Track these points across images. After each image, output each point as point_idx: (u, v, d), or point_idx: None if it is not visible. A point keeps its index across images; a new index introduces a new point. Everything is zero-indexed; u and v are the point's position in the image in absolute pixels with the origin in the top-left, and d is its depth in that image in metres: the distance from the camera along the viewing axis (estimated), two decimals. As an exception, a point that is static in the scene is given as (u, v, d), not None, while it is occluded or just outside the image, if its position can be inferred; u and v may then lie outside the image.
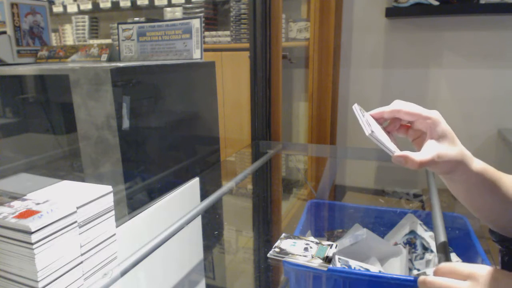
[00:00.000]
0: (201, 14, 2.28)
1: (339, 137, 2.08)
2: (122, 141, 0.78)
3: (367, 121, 0.50)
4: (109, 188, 0.53)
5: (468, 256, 0.76)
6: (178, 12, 2.37)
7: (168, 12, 2.40)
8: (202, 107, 1.11)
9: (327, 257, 0.67)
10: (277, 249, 0.70)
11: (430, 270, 0.74)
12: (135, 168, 0.84)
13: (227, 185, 0.94)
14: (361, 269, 0.72)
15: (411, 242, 0.84)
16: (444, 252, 0.61)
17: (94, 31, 2.86)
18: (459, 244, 0.79)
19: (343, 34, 1.97)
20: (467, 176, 0.55)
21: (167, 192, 0.79)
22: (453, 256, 0.77)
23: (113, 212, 0.55)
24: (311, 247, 0.70)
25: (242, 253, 1.07)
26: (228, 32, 2.20)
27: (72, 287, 0.48)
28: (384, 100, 1.98)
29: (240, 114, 2.00)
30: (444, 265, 0.49)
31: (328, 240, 0.90)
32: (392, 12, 1.79)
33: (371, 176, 1.91)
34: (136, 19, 2.52)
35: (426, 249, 0.81)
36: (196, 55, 1.08)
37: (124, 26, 1.14)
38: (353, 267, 0.72)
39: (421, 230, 0.85)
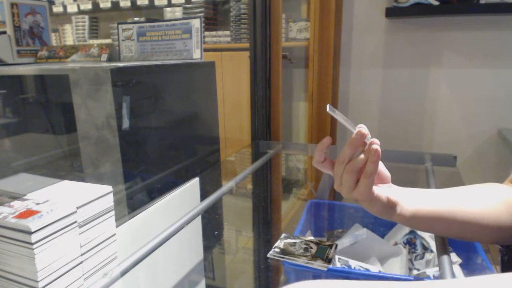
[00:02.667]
0: (201, 14, 2.27)
1: (339, 137, 2.07)
2: (122, 141, 0.78)
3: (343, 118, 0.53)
4: (109, 188, 0.53)
5: (468, 256, 0.76)
6: (178, 12, 2.37)
7: (168, 12, 2.40)
8: (202, 107, 1.11)
9: (327, 257, 0.67)
10: (277, 249, 0.70)
11: (430, 270, 0.74)
12: (135, 168, 0.84)
13: (227, 185, 0.94)
14: (361, 269, 0.73)
15: (411, 242, 0.84)
16: (444, 252, 0.61)
17: (94, 31, 2.86)
18: (459, 244, 0.79)
19: (343, 34, 1.97)
20: (404, 219, 0.56)
21: (167, 192, 0.79)
22: (453, 256, 0.77)
23: (113, 212, 0.55)
24: (311, 247, 0.70)
25: (242, 253, 1.06)
26: (228, 32, 2.20)
27: (72, 287, 0.48)
28: (384, 100, 1.98)
29: (240, 114, 2.00)
30: None
31: (328, 240, 0.90)
32: (392, 12, 1.79)
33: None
34: (136, 19, 2.52)
35: (426, 249, 0.81)
36: (196, 55, 1.08)
37: (124, 26, 1.15)
38: (353, 267, 0.72)
39: (421, 230, 0.85)
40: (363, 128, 0.51)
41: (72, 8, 2.77)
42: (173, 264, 0.79)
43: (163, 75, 0.94)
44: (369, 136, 0.52)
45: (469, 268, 0.74)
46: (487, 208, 0.57)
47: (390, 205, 0.54)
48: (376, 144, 0.50)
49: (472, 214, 0.56)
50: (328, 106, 0.53)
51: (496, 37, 1.71)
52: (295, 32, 2.08)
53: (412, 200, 0.56)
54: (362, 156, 0.51)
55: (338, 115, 0.53)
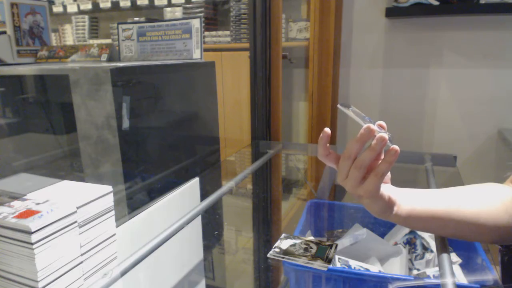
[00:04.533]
0: (201, 14, 2.28)
1: (339, 137, 2.08)
2: (122, 141, 0.78)
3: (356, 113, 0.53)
4: (109, 188, 0.53)
5: (468, 255, 0.76)
6: (178, 12, 2.37)
7: (168, 12, 2.40)
8: (202, 107, 1.11)
9: (327, 257, 0.67)
10: (277, 249, 0.69)
11: (430, 270, 0.74)
12: (135, 168, 0.84)
13: (227, 185, 0.94)
14: (361, 269, 0.72)
15: (411, 241, 0.84)
16: (444, 252, 0.61)
17: (94, 31, 2.86)
18: (459, 243, 0.79)
19: (343, 34, 1.97)
20: (400, 219, 0.56)
21: (167, 192, 0.79)
22: (453, 256, 0.77)
23: (113, 212, 0.55)
24: (311, 247, 0.70)
25: (242, 253, 1.07)
26: (228, 32, 2.20)
27: (72, 287, 0.48)
28: (384, 100, 1.98)
29: (240, 114, 2.00)
30: None
31: (328, 240, 0.90)
32: (392, 12, 1.79)
33: (371, 176, 1.90)
34: (136, 19, 2.52)
35: (426, 248, 0.81)
36: (196, 55, 1.08)
37: (124, 26, 1.15)
38: (353, 267, 0.72)
39: (421, 230, 0.85)
40: (371, 124, 0.50)
41: (72, 8, 2.77)
42: (173, 264, 0.79)
43: (163, 75, 0.94)
44: (385, 133, 0.51)
45: (469, 268, 0.74)
46: (484, 207, 0.57)
47: (390, 205, 0.54)
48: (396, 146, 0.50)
49: (469, 214, 0.56)
50: (339, 104, 0.52)
51: (496, 37, 1.70)
52: (295, 32, 2.08)
53: (408, 199, 0.56)
54: (371, 151, 0.50)
55: (352, 112, 0.52)
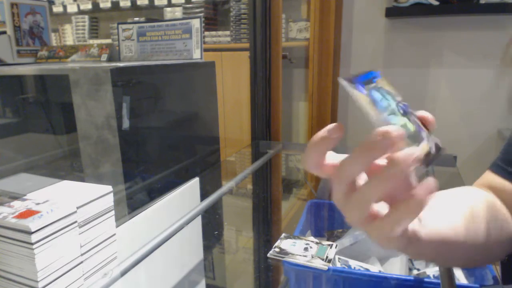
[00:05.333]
0: (201, 14, 2.28)
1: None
2: (122, 141, 0.78)
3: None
4: (109, 188, 0.53)
5: (468, 256, 0.76)
6: (178, 12, 2.37)
7: (168, 12, 2.40)
8: (202, 107, 1.11)
9: (327, 257, 0.67)
10: (277, 249, 0.70)
11: (430, 270, 0.74)
12: (135, 168, 0.84)
13: (227, 185, 0.94)
14: (361, 269, 0.72)
15: (411, 242, 0.84)
16: (444, 252, 0.61)
17: (94, 31, 2.86)
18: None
19: (343, 34, 1.97)
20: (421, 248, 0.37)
21: (167, 192, 0.79)
22: (453, 256, 0.77)
23: (113, 212, 0.55)
24: (311, 247, 0.70)
25: (242, 253, 1.07)
26: (228, 32, 2.20)
27: (72, 287, 0.48)
28: (384, 100, 1.98)
29: (240, 114, 2.00)
30: None
31: (328, 240, 0.90)
32: (392, 12, 1.79)
33: (371, 176, 1.90)
34: (136, 19, 2.52)
35: (426, 249, 0.81)
36: (196, 55, 1.08)
37: (124, 26, 1.15)
38: (353, 267, 0.72)
39: (421, 230, 0.85)
40: (392, 128, 0.27)
41: (72, 8, 2.77)
42: (173, 264, 0.79)
43: (163, 75, 0.94)
44: (427, 139, 0.28)
45: (469, 268, 0.74)
46: (483, 224, 0.45)
47: (407, 239, 0.34)
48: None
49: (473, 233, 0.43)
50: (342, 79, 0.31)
51: (496, 37, 1.71)
52: (295, 32, 2.08)
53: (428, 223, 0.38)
54: (387, 180, 0.28)
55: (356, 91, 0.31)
